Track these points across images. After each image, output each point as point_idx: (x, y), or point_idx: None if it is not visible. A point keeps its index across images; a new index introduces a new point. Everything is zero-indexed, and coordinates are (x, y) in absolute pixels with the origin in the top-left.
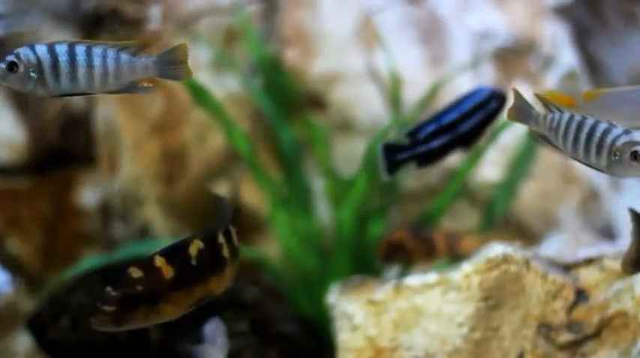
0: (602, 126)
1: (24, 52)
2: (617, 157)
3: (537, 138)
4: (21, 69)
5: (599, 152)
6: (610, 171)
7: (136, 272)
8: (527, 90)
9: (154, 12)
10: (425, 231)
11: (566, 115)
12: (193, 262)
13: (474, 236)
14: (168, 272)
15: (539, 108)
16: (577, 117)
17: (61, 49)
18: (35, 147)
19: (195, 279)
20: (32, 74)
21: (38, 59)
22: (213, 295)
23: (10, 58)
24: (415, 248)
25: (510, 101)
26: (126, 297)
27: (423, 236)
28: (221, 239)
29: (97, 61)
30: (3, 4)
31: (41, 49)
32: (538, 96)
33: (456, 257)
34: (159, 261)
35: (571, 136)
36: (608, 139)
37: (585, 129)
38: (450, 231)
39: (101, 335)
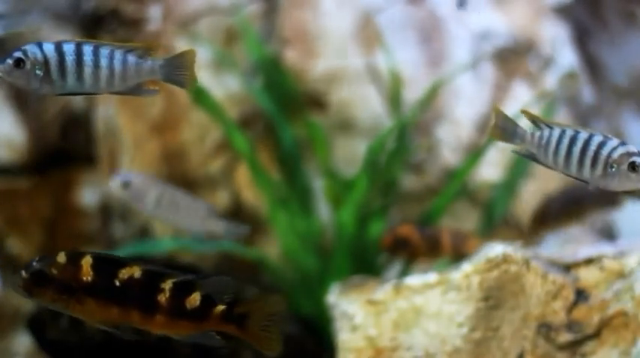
0: (597, 138)
1: (31, 49)
2: (613, 169)
3: (524, 157)
4: (27, 66)
5: (594, 165)
6: (606, 184)
7: (61, 257)
8: (527, 90)
9: (154, 12)
10: (432, 229)
11: (557, 131)
12: (117, 283)
13: (480, 238)
14: (86, 275)
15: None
16: (569, 132)
17: (69, 48)
18: (35, 147)
19: (112, 300)
20: (38, 72)
21: (45, 57)
22: (138, 328)
23: (17, 54)
24: (421, 244)
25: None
26: (38, 273)
27: (429, 233)
28: (166, 285)
29: (103, 62)
30: (3, 4)
31: (48, 47)
32: (525, 114)
33: (460, 257)
34: (84, 260)
35: (563, 151)
36: (604, 151)
37: (579, 143)
38: (457, 231)
39: (101, 335)
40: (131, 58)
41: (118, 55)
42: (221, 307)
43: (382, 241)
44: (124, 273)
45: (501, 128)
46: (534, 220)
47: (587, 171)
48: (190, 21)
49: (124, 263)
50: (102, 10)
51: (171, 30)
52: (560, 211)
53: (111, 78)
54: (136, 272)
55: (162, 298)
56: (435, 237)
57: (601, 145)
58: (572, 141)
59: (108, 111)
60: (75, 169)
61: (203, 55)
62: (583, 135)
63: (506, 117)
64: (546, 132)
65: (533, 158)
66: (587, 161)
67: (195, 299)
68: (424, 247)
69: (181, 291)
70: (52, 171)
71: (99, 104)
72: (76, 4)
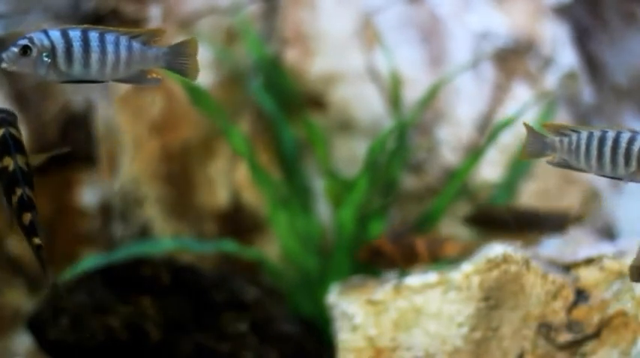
0: (626, 135)
1: (37, 36)
2: None
3: (558, 166)
4: (34, 53)
5: (627, 162)
6: None
7: None
8: (527, 90)
9: (154, 12)
10: (407, 236)
11: (585, 134)
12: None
13: (456, 241)
14: None
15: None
16: (597, 133)
17: (75, 35)
18: (35, 147)
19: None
20: (45, 59)
21: (52, 43)
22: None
23: (23, 41)
24: (395, 253)
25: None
26: None
27: (403, 241)
28: (18, 191)
29: (109, 48)
30: (3, 4)
31: (55, 34)
32: (546, 125)
33: (438, 262)
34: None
35: (594, 153)
36: (635, 146)
37: (609, 142)
38: (433, 236)
39: (101, 334)
40: (136, 45)
41: (124, 41)
42: (37, 241)
43: (358, 256)
44: (4, 161)
45: (532, 146)
46: (472, 216)
47: (621, 169)
48: (190, 21)
49: (11, 155)
50: (102, 10)
51: (171, 30)
52: (502, 221)
53: (117, 64)
54: (10, 166)
55: (12, 198)
56: (410, 245)
57: (631, 141)
58: (602, 141)
59: (108, 111)
60: (75, 169)
61: (203, 55)
62: (611, 134)
63: (535, 132)
64: (574, 136)
65: (567, 165)
66: (620, 158)
67: (26, 218)
68: (398, 255)
69: (23, 206)
70: (52, 171)
71: (99, 104)
72: (76, 4)
